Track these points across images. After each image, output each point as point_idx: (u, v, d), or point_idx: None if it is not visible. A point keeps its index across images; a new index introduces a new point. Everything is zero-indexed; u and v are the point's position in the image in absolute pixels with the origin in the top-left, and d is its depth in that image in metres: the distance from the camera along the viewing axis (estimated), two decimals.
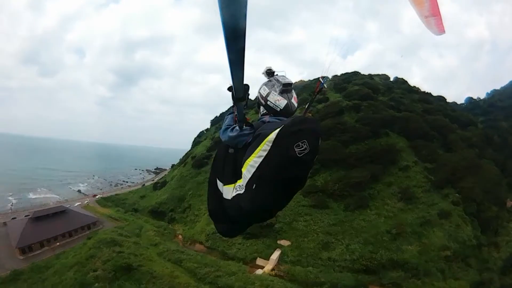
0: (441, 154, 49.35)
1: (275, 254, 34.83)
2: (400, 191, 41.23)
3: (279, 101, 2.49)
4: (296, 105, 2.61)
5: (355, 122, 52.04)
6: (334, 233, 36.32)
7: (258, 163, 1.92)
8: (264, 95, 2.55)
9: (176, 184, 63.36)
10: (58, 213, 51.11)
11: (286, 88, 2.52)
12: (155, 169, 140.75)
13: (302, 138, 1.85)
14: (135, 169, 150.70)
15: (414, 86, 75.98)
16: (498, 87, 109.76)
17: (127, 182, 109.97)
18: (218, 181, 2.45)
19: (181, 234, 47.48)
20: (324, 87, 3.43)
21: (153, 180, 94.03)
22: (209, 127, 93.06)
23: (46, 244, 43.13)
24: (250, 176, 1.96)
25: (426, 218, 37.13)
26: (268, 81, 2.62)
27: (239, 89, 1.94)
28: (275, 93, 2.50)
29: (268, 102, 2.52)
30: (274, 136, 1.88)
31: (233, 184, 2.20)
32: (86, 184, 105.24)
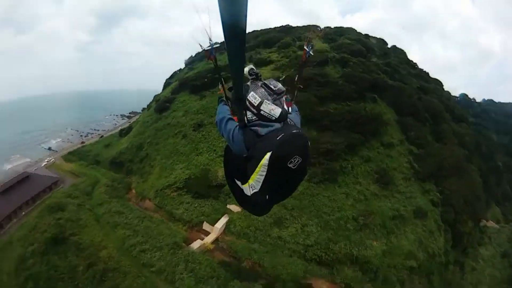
0: (430, 142, 44.00)
1: (221, 222, 30.93)
2: (378, 170, 36.02)
3: (274, 110, 2.47)
4: (287, 109, 2.62)
5: (339, 78, 45.89)
6: (289, 208, 31.00)
7: (262, 180, 2.18)
8: (255, 104, 2.48)
9: (137, 131, 59.26)
10: (21, 181, 50.77)
11: (279, 96, 2.56)
12: (129, 113, 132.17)
13: (293, 155, 2.10)
14: (110, 115, 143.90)
15: (412, 61, 70.43)
16: (496, 100, 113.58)
17: (98, 130, 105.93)
18: (236, 180, 2.68)
19: (134, 189, 44.29)
20: (311, 54, 3.25)
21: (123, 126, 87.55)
22: (182, 67, 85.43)
23: (13, 216, 42.49)
24: (259, 188, 2.23)
25: (400, 212, 32.23)
26: (252, 85, 2.63)
27: (239, 88, 2.07)
28: (268, 102, 2.48)
29: (262, 112, 2.47)
30: (267, 162, 2.09)
31: (247, 184, 2.33)
32: (59, 139, 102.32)
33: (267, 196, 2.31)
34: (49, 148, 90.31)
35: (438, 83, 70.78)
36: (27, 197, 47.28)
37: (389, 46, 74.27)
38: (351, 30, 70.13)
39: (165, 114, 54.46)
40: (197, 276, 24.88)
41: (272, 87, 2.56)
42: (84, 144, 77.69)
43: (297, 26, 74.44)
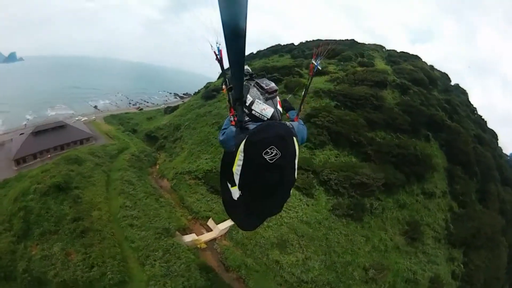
0: (473, 201, 38.14)
1: (225, 224, 28.44)
2: (410, 221, 31.39)
3: (266, 110, 2.49)
4: (281, 110, 2.65)
5: (395, 105, 42.36)
6: (299, 233, 27.65)
7: (239, 171, 2.15)
8: (247, 104, 2.51)
9: (180, 112, 61.45)
10: (57, 128, 56.05)
11: (271, 95, 2.53)
12: (183, 94, 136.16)
13: (269, 144, 1.98)
14: (163, 91, 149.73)
15: (473, 105, 63.93)
16: None
17: (147, 102, 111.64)
18: (227, 183, 2.51)
19: (159, 165, 45.18)
20: (319, 69, 3.14)
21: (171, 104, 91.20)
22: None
23: (38, 156, 48.23)
24: (238, 183, 2.22)
25: (416, 276, 27.36)
26: (247, 85, 2.59)
27: (239, 88, 2.14)
28: (259, 101, 2.49)
29: (253, 112, 2.50)
30: (243, 147, 2.06)
31: (235, 186, 2.31)
32: (107, 101, 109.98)
33: (250, 201, 2.29)
34: (95, 107, 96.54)
35: (494, 135, 62.85)
36: (56, 143, 51.89)
37: (452, 83, 68.35)
38: (416, 58, 65.50)
39: (210, 102, 55.20)
40: (168, 269, 23.02)
41: (264, 85, 2.53)
42: (129, 111, 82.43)
43: (363, 43, 71.34)
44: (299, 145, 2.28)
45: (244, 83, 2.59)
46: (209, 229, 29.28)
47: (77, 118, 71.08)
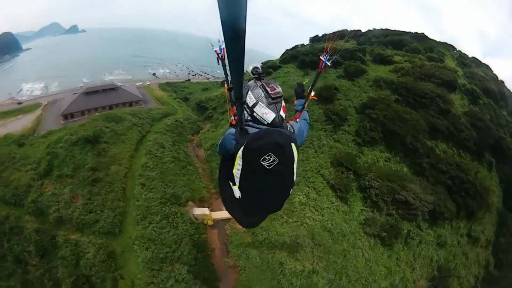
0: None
1: None
2: (440, 267, 25.86)
3: (267, 115, 2.46)
4: (284, 116, 2.61)
5: (463, 114, 36.70)
6: (317, 241, 24.11)
7: (239, 174, 2.31)
8: (250, 105, 2.51)
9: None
10: (108, 90, 60.11)
11: (275, 100, 2.48)
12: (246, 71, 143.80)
13: (266, 152, 2.15)
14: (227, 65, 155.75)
15: None
16: None
17: (208, 74, 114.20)
18: (229, 181, 2.60)
19: (201, 133, 44.99)
20: (328, 64, 3.38)
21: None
22: (305, 42, 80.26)
23: (86, 114, 50.85)
24: (238, 184, 2.37)
25: None
26: (253, 85, 2.59)
27: (239, 88, 2.03)
28: (262, 104, 2.47)
29: (255, 114, 2.49)
30: (241, 154, 2.20)
31: (237, 185, 2.44)
32: (167, 70, 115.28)
33: (250, 201, 2.46)
34: (154, 74, 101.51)
35: None
36: (105, 103, 55.29)
37: None
38: (487, 67, 58.16)
39: (264, 77, 54.28)
40: (159, 234, 22.64)
41: (269, 90, 2.49)
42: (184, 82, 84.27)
43: (433, 39, 64.71)
44: (298, 149, 2.40)
45: (249, 82, 2.64)
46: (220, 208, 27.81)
47: (129, 84, 74.61)
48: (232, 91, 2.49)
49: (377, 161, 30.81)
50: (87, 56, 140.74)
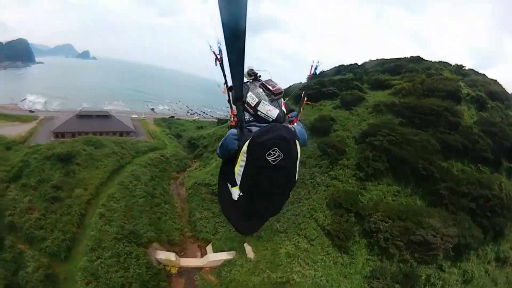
0: None
1: (220, 256, 25.23)
2: None
3: (271, 111, 2.56)
4: (285, 111, 2.74)
5: (473, 124, 33.51)
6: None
7: (242, 172, 2.30)
8: (253, 105, 2.59)
9: (228, 124, 62.62)
10: (101, 116, 64.19)
11: (277, 97, 2.60)
12: None
13: (272, 146, 2.15)
14: (227, 107, 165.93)
15: None
16: None
17: (206, 114, 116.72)
18: (228, 183, 2.63)
19: (187, 171, 44.02)
20: (316, 73, 3.42)
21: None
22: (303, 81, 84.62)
23: (76, 136, 51.32)
24: (239, 183, 2.37)
25: None
26: (251, 85, 2.67)
27: (239, 89, 2.14)
28: (265, 102, 2.56)
29: (259, 113, 2.58)
30: (246, 148, 2.20)
31: (236, 186, 2.46)
32: (166, 107, 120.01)
33: (250, 202, 2.45)
34: (152, 109, 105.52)
35: None
36: (96, 129, 57.71)
37: None
38: (484, 76, 56.94)
39: None
40: (106, 275, 21.41)
41: (270, 87, 2.59)
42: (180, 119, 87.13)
43: (428, 60, 63.97)
44: (300, 148, 2.43)
45: (248, 83, 2.72)
46: (205, 255, 26.53)
47: (124, 115, 77.13)
48: (232, 91, 2.49)
49: (384, 197, 26.84)
50: (92, 83, 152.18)
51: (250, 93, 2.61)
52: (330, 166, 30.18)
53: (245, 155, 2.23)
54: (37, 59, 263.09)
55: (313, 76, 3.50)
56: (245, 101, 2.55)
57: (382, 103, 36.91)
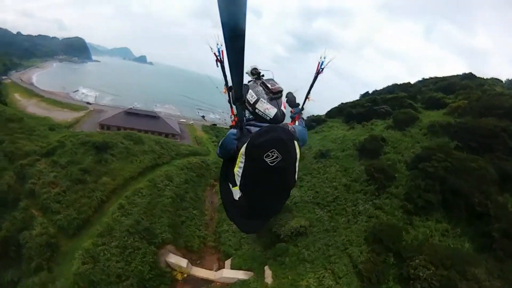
0: None
1: (235, 274, 23.94)
2: None
3: (269, 110, 2.64)
4: (285, 111, 2.83)
5: None
6: None
7: (241, 173, 2.37)
8: (251, 102, 2.66)
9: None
10: (149, 116, 68.40)
11: (276, 96, 2.67)
12: None
13: (270, 148, 2.22)
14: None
15: None
16: None
17: None
18: (229, 183, 2.76)
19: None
20: (323, 68, 3.39)
21: None
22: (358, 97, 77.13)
23: (122, 130, 53.82)
24: (239, 184, 2.45)
25: None
26: (253, 84, 2.76)
27: (238, 89, 2.15)
28: (263, 100, 2.63)
29: (257, 111, 2.66)
30: (244, 150, 2.28)
31: (237, 187, 2.54)
32: (217, 116, 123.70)
33: (250, 202, 2.52)
34: (203, 116, 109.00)
35: None
36: (141, 126, 60.75)
37: None
38: None
39: (308, 133, 52.48)
40: (105, 262, 21.67)
41: (269, 86, 2.66)
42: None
43: (480, 77, 60.87)
44: (300, 148, 2.49)
45: (251, 82, 2.81)
46: (221, 268, 25.74)
47: (173, 118, 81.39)
48: (232, 92, 2.54)
49: (431, 236, 23.16)
50: (146, 85, 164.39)
51: (250, 90, 2.67)
52: (376, 194, 27.09)
53: (243, 157, 2.29)
54: (94, 57, 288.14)
55: (320, 72, 3.41)
56: (245, 100, 2.59)
57: (438, 123, 34.08)
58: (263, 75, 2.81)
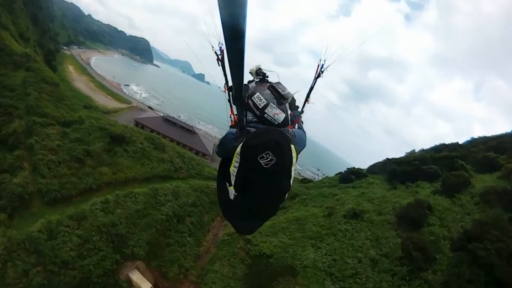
0: None
1: None
2: None
3: (278, 115, 2.64)
4: (289, 116, 2.87)
5: None
6: None
7: (235, 173, 2.37)
8: (260, 106, 2.65)
9: (313, 184, 60.24)
10: (185, 129, 71.09)
11: (286, 101, 2.71)
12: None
13: (265, 150, 2.17)
14: (317, 169, 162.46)
15: None
16: None
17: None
18: (226, 182, 2.80)
19: None
20: (322, 71, 3.56)
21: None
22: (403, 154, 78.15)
23: (153, 132, 58.07)
24: (233, 183, 2.46)
25: None
26: (258, 86, 2.76)
27: (238, 89, 2.32)
28: (273, 105, 2.64)
29: (265, 115, 2.65)
30: (240, 150, 2.28)
31: (233, 185, 2.56)
32: None
33: (244, 203, 2.49)
34: None
35: None
36: (175, 136, 63.15)
37: None
38: None
39: (343, 185, 48.84)
40: (54, 243, 22.21)
41: (280, 91, 2.68)
42: None
43: None
44: (297, 153, 2.47)
45: (253, 82, 2.86)
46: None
47: (211, 138, 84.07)
48: (232, 91, 2.66)
49: None
50: (195, 101, 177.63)
51: (258, 94, 2.66)
52: (407, 278, 23.78)
53: (239, 157, 2.31)
54: (155, 62, 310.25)
55: (319, 75, 3.53)
56: (244, 100, 2.65)
57: (493, 190, 30.33)
58: (267, 76, 2.87)
